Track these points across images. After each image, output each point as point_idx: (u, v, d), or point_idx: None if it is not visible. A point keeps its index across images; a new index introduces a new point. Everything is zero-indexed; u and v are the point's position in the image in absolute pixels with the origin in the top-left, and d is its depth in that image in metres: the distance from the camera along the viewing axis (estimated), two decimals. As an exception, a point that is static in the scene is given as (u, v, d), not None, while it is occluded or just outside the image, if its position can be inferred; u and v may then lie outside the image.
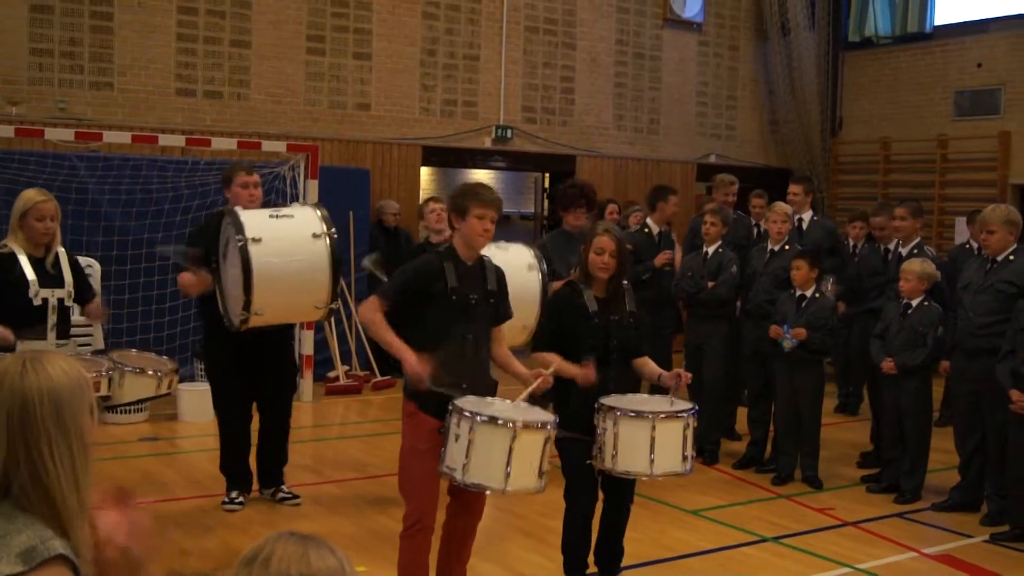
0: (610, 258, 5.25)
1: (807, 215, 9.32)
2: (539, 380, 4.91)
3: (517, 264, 6.33)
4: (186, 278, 6.60)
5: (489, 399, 4.84)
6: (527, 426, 4.55)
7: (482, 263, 5.07)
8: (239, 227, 5.95)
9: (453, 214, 5.00)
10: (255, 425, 7.11)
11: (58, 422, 2.20)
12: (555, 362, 5.09)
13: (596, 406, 5.00)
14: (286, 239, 6.12)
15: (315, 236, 6.15)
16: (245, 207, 6.54)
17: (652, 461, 4.87)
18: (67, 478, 2.19)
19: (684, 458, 4.96)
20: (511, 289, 5.29)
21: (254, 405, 7.09)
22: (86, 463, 2.24)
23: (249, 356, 6.75)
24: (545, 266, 6.59)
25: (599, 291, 5.32)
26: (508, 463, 4.49)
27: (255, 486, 7.14)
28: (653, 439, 4.84)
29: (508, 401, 4.85)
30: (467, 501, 5.08)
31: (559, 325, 5.29)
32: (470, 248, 4.98)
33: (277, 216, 6.31)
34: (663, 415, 4.90)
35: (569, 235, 7.68)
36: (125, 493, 2.42)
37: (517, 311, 5.51)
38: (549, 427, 4.63)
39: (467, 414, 4.55)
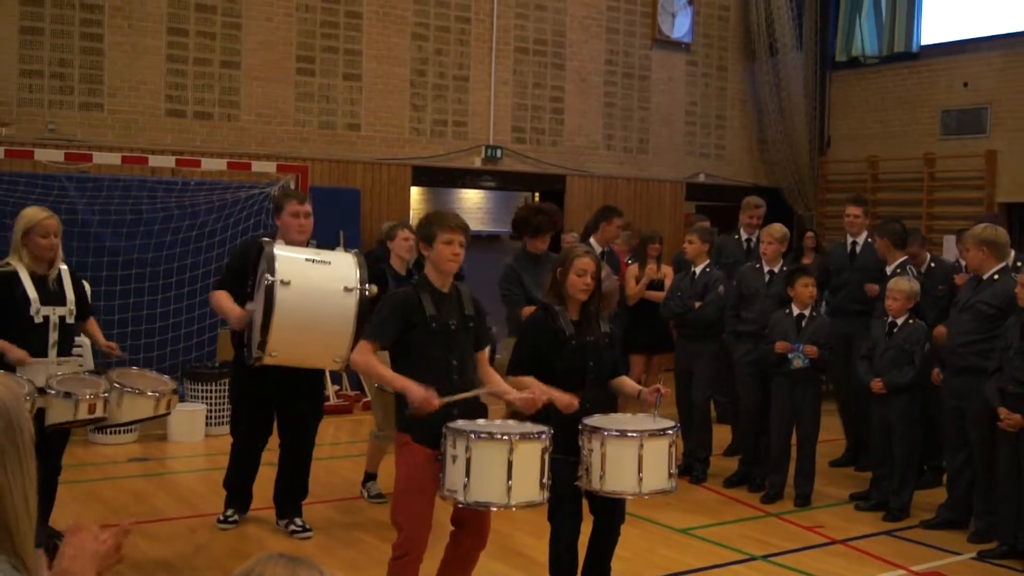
0: (591, 279, 5.28)
1: (862, 238, 9.16)
2: (526, 396, 4.93)
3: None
4: (224, 301, 6.55)
5: (480, 421, 4.86)
6: (524, 437, 4.58)
7: (457, 290, 5.09)
8: (271, 265, 5.88)
9: (422, 243, 5.05)
10: (271, 444, 7.04)
11: (9, 437, 2.15)
12: (541, 388, 5.08)
13: (580, 427, 4.99)
14: (316, 288, 5.98)
15: (347, 290, 6.00)
16: (294, 238, 6.49)
17: (640, 480, 4.86)
18: (19, 496, 2.13)
19: (670, 475, 4.98)
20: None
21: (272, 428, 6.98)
22: (32, 481, 2.19)
23: (277, 382, 6.63)
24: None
25: (574, 313, 5.33)
26: (509, 477, 4.51)
27: (258, 504, 7.06)
28: (641, 458, 4.83)
29: (498, 421, 4.88)
30: (476, 527, 5.07)
31: (536, 349, 5.29)
32: (441, 274, 5.01)
33: (315, 260, 6.15)
34: (649, 433, 4.90)
35: (536, 257, 7.65)
36: (78, 525, 2.38)
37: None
38: (545, 436, 4.66)
39: (463, 433, 4.57)
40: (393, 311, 4.96)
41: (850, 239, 9.20)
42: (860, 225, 9.15)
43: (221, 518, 6.90)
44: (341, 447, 9.84)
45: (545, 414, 5.08)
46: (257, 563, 1.94)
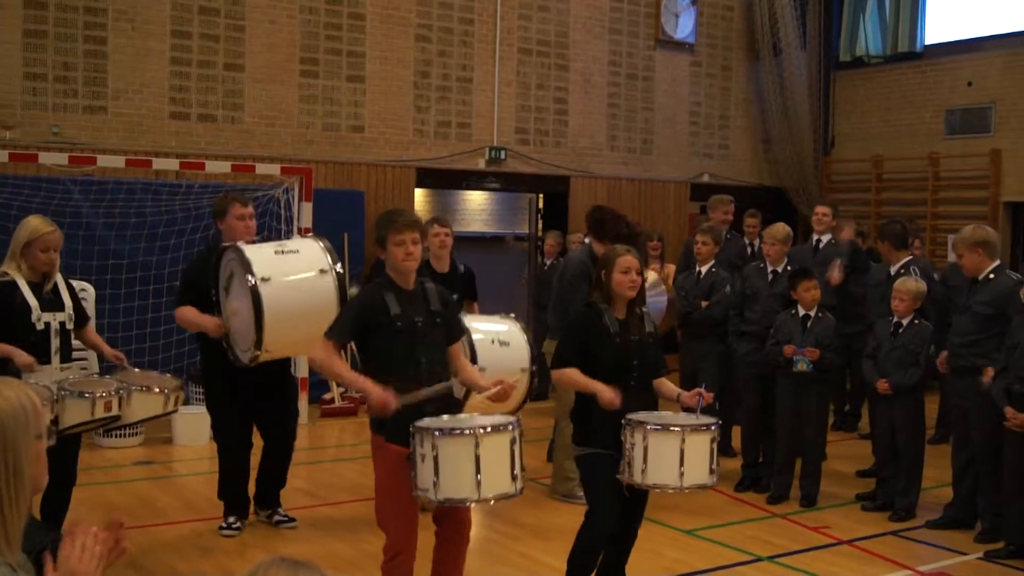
0: (637, 275, 5.32)
1: (826, 236, 9.71)
2: (497, 388, 4.96)
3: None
4: (190, 314, 6.60)
5: (446, 416, 4.81)
6: (490, 430, 4.58)
7: (422, 287, 5.09)
8: (247, 266, 5.94)
9: (377, 246, 5.12)
10: (256, 445, 7.08)
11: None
12: (580, 380, 5.16)
13: (624, 421, 5.04)
14: (294, 276, 6.11)
15: (322, 272, 6.15)
16: (240, 238, 6.54)
17: (682, 474, 4.92)
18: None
19: (711, 471, 5.03)
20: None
21: (254, 431, 7.04)
22: (18, 496, 2.20)
23: (249, 382, 6.70)
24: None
25: (620, 312, 5.35)
26: (478, 471, 4.50)
27: (251, 508, 7.12)
28: (683, 451, 4.90)
29: (470, 415, 4.91)
30: (454, 526, 5.08)
31: (581, 345, 5.31)
32: (401, 274, 5.01)
33: (283, 252, 6.27)
34: (691, 428, 4.96)
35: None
36: (77, 525, 2.39)
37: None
38: (512, 427, 4.65)
39: (428, 431, 4.56)
40: (353, 309, 5.04)
41: (815, 237, 9.64)
42: (827, 224, 9.75)
43: (224, 525, 6.90)
44: (346, 449, 9.84)
45: (588, 409, 5.19)
46: (260, 567, 1.94)
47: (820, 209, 9.95)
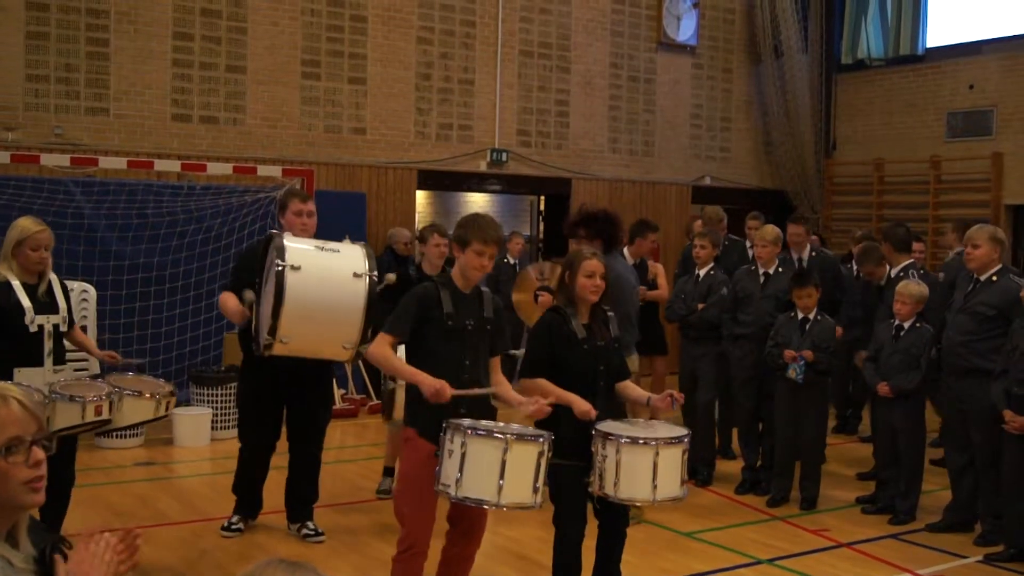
0: (601, 280, 5.28)
1: (806, 253, 9.34)
2: (536, 406, 4.91)
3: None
4: (230, 301, 6.57)
5: (484, 421, 4.87)
6: (520, 438, 4.59)
7: (479, 292, 5.14)
8: (281, 253, 5.93)
9: (455, 244, 5.12)
10: (281, 448, 7.05)
11: None
12: (558, 393, 5.10)
13: (592, 432, 4.99)
14: (326, 272, 6.02)
15: (356, 275, 6.03)
16: (297, 235, 6.51)
17: (655, 487, 4.86)
18: None
19: (682, 483, 4.98)
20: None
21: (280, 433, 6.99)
22: None
23: (284, 386, 6.67)
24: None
25: (584, 316, 5.33)
26: (501, 476, 4.52)
27: (264, 508, 7.10)
28: (656, 465, 4.84)
29: (503, 423, 4.90)
30: (466, 528, 5.10)
31: (549, 351, 5.29)
32: (466, 279, 5.08)
33: (323, 248, 6.20)
34: (664, 441, 4.90)
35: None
36: (90, 533, 2.39)
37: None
38: (542, 440, 4.66)
39: (461, 429, 4.60)
40: (412, 306, 5.01)
41: (795, 255, 9.26)
42: (803, 242, 9.34)
43: (225, 525, 6.90)
44: (347, 451, 9.84)
45: (557, 418, 5.08)
46: (257, 568, 1.95)
47: (793, 228, 9.37)
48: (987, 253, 6.98)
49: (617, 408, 5.39)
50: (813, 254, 9.41)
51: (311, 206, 6.79)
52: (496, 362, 5.24)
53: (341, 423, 10.75)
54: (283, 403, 6.83)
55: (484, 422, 4.84)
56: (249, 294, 6.40)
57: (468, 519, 5.05)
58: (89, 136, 11.07)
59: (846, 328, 8.73)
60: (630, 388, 5.46)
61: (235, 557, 6.43)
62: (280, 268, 5.83)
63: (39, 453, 2.42)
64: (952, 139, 14.74)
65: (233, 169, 10.35)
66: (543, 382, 5.17)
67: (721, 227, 10.04)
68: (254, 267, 6.44)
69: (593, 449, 4.97)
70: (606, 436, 4.91)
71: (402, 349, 5.15)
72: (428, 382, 4.76)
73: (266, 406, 6.83)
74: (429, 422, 4.81)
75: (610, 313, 5.46)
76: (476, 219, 5.18)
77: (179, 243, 10.35)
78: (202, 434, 9.46)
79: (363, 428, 10.67)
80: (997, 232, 7.07)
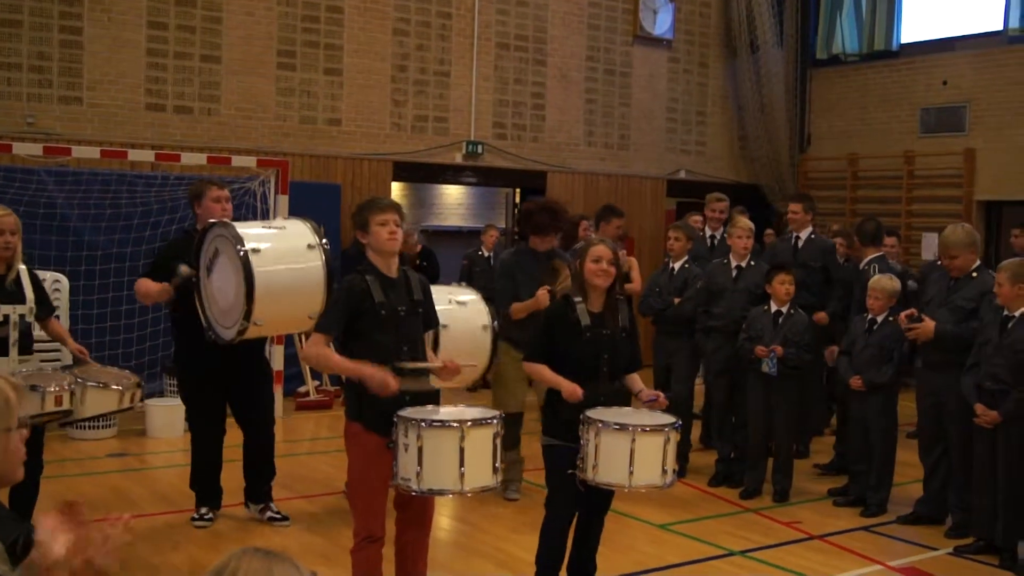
0: (608, 265, 5.29)
1: (805, 233, 9.32)
2: (440, 365, 5.05)
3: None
4: (146, 284, 6.57)
5: (431, 407, 4.89)
6: (475, 423, 4.65)
7: (405, 275, 5.16)
8: (238, 238, 5.95)
9: (358, 231, 5.13)
10: (235, 440, 7.05)
11: None
12: (545, 376, 5.24)
13: (582, 417, 5.05)
14: (283, 249, 6.15)
15: (310, 247, 6.18)
16: None
17: (631, 473, 4.91)
18: None
19: (664, 472, 5.00)
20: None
21: (227, 421, 7.02)
22: None
23: (223, 370, 6.70)
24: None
25: (596, 304, 5.34)
26: (462, 463, 4.58)
27: (233, 499, 7.08)
28: (632, 451, 4.88)
29: (450, 407, 4.96)
30: (415, 513, 5.13)
31: (551, 338, 5.34)
32: (383, 256, 5.07)
33: (270, 227, 6.34)
34: (644, 428, 4.94)
35: (536, 253, 7.57)
36: (73, 507, 2.40)
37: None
38: (495, 421, 4.74)
39: (413, 422, 4.62)
40: (340, 301, 5.03)
41: (793, 235, 9.35)
42: (801, 221, 9.32)
43: (196, 516, 6.90)
44: (320, 442, 9.83)
45: (555, 402, 5.24)
46: (232, 558, 1.95)
47: (792, 206, 9.50)
48: (965, 260, 6.99)
49: (622, 396, 5.41)
50: (812, 236, 9.37)
51: (227, 192, 6.88)
52: (427, 338, 5.31)
53: (315, 414, 10.74)
54: (225, 385, 6.83)
55: (430, 407, 4.86)
56: (184, 268, 6.41)
57: (419, 503, 5.07)
58: (62, 125, 10.99)
59: (830, 319, 8.76)
60: (631, 380, 5.51)
61: (208, 547, 6.42)
62: (243, 253, 5.90)
63: (26, 433, 2.56)
64: (925, 135, 14.83)
65: (207, 159, 10.29)
66: (541, 367, 5.29)
67: (719, 208, 10.09)
68: (179, 260, 6.46)
69: (580, 433, 5.05)
70: (590, 421, 4.99)
71: None
72: (373, 376, 4.75)
73: (209, 393, 6.85)
74: (375, 414, 4.82)
75: (620, 297, 5.50)
76: (365, 201, 5.29)
77: (152, 233, 10.27)
78: (175, 425, 9.41)
79: (336, 420, 10.62)
80: (971, 235, 7.08)
